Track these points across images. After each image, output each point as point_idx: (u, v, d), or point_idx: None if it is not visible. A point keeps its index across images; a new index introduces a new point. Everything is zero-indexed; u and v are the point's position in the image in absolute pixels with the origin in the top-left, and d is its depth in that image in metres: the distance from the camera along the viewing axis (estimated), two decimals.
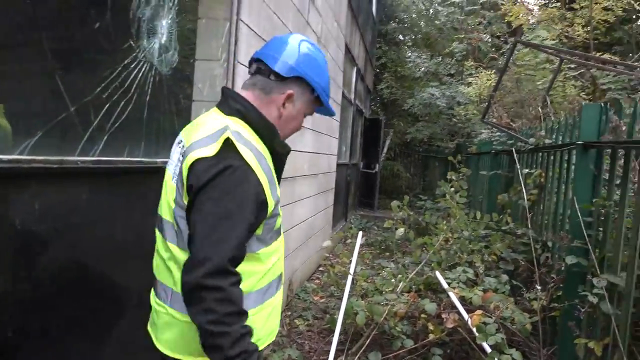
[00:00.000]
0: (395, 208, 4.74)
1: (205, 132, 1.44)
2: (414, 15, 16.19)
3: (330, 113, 1.75)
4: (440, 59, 12.45)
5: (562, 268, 3.53)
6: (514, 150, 4.63)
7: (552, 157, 4.24)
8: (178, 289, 1.42)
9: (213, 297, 1.29)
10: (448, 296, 3.92)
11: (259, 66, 1.59)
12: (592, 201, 3.31)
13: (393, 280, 4.12)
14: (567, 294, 3.37)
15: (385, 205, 14.58)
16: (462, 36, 11.82)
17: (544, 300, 3.51)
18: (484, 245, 4.59)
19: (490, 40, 11.77)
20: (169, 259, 1.49)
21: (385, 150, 14.79)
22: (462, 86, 10.40)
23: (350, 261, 4.37)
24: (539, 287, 3.54)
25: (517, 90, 8.02)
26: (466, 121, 10.28)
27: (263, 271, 1.53)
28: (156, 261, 1.58)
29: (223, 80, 3.31)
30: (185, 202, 1.41)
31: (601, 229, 3.21)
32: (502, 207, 5.68)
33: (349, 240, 8.83)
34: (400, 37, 16.64)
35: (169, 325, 1.50)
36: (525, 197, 4.17)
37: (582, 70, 9.38)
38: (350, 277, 4.08)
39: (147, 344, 1.59)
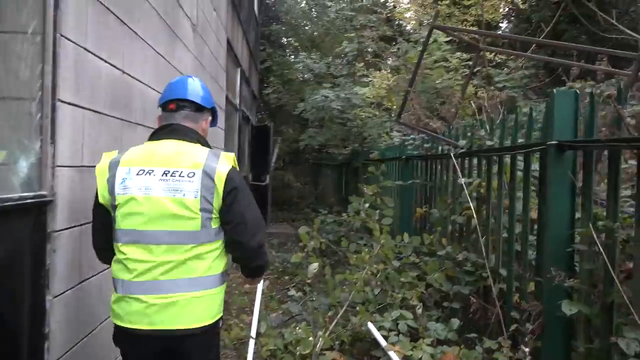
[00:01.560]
0: (305, 236, 3.66)
1: (201, 155, 2.02)
2: (297, 18, 15.34)
3: (215, 125, 2.44)
4: (330, 59, 11.61)
5: (534, 310, 2.67)
6: (452, 155, 3.75)
7: (495, 164, 3.43)
8: (206, 273, 1.99)
9: (265, 250, 2.17)
10: (385, 354, 2.93)
11: (181, 104, 2.16)
12: (576, 219, 2.49)
13: (310, 337, 3.04)
14: (550, 350, 2.50)
15: (277, 218, 13.53)
16: (353, 35, 11.07)
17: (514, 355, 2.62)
18: (415, 275, 3.67)
19: (377, 42, 11.17)
20: (191, 258, 1.96)
21: (274, 159, 13.75)
22: (357, 87, 9.61)
23: (251, 318, 3.23)
24: (506, 339, 2.66)
25: (414, 89, 7.34)
26: (362, 125, 9.50)
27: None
28: (156, 271, 1.94)
29: (36, 64, 2.04)
30: (216, 205, 1.98)
31: (596, 260, 2.36)
32: (421, 225, 4.85)
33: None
34: (284, 39, 15.72)
35: (193, 305, 1.97)
36: (473, 211, 3.30)
37: (479, 68, 8.99)
38: (252, 343, 2.95)
39: None
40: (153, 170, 1.95)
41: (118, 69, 2.83)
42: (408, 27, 12.14)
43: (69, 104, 2.24)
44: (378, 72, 9.65)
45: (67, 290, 2.24)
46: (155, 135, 2.11)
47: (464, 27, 7.85)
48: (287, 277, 7.72)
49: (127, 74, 2.95)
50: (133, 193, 1.93)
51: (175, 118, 2.12)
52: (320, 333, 3.05)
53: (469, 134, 3.97)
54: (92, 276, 2.51)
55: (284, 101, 14.09)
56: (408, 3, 10.88)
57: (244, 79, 10.27)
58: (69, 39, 2.20)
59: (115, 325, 2.00)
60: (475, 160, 3.87)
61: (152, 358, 2.00)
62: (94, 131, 2.52)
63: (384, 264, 3.63)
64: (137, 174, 1.95)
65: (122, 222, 1.95)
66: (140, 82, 3.24)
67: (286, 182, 15.80)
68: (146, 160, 1.98)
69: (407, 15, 10.88)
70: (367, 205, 4.36)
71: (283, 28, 14.81)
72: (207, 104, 2.23)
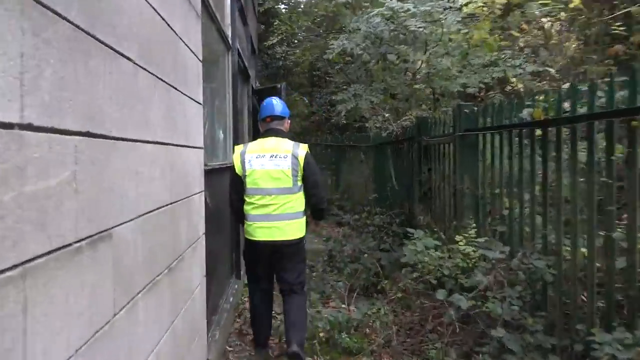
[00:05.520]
0: None
1: (290, 145, 3.75)
2: None
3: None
4: None
5: None
6: None
7: None
8: (295, 210, 3.69)
9: (326, 203, 4.10)
10: None
11: (273, 117, 3.94)
12: None
13: None
14: None
15: None
16: None
17: None
18: None
19: None
20: (287, 202, 3.65)
21: None
22: None
23: None
24: None
25: None
26: (443, 71, 5.38)
27: None
28: (269, 208, 3.65)
29: None
30: (301, 172, 3.70)
31: None
32: None
33: None
34: None
35: (288, 227, 3.66)
36: None
37: None
38: None
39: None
40: (264, 155, 3.70)
41: None
42: None
43: None
44: None
45: None
46: (263, 135, 3.89)
47: None
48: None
49: None
50: (255, 167, 3.68)
51: (270, 125, 3.93)
52: None
53: None
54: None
55: (293, 59, 9.94)
56: None
57: (237, 5, 6.16)
58: None
59: (247, 239, 3.72)
60: None
61: (267, 256, 3.72)
62: None
63: None
64: (256, 157, 3.71)
65: (250, 183, 3.68)
66: None
67: None
68: (260, 149, 3.75)
69: None
70: None
71: None
72: (285, 114, 4.01)
